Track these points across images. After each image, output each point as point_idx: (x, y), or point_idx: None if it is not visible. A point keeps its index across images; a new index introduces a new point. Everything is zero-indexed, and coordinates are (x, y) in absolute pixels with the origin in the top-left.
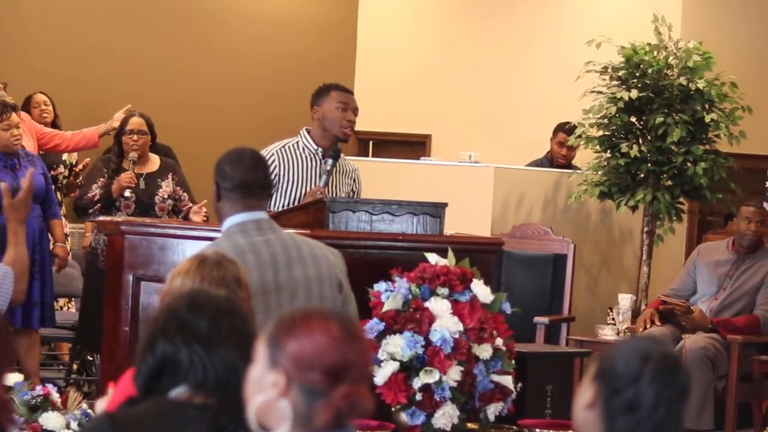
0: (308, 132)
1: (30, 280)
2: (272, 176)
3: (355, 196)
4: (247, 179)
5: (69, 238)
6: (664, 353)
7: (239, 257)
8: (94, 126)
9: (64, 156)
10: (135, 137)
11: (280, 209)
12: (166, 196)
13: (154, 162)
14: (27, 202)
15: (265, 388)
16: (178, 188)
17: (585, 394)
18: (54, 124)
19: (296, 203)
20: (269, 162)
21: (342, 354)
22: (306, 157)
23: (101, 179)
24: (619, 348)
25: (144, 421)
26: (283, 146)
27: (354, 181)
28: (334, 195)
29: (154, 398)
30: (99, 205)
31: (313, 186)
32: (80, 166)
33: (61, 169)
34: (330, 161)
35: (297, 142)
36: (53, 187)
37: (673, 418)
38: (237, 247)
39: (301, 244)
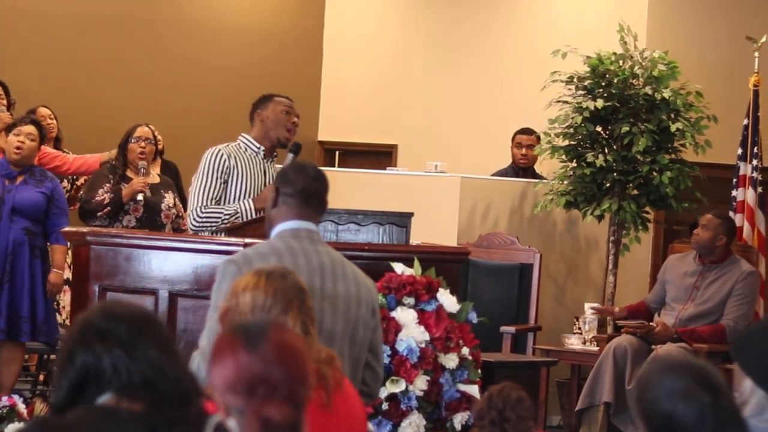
0: (247, 135)
1: None
2: (225, 169)
3: None
4: (309, 188)
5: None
6: (701, 380)
7: (291, 257)
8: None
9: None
10: (142, 144)
11: (232, 200)
12: (171, 205)
13: (155, 175)
14: None
15: (219, 408)
16: (180, 205)
17: None
18: (57, 139)
19: (248, 195)
20: (220, 158)
21: (245, 368)
22: (249, 155)
23: (107, 185)
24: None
25: (76, 426)
26: (227, 146)
27: None
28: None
29: (82, 406)
30: (108, 208)
31: (258, 182)
32: (81, 180)
33: (65, 183)
34: (290, 156)
35: (239, 144)
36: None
37: None
38: (290, 248)
39: (345, 263)
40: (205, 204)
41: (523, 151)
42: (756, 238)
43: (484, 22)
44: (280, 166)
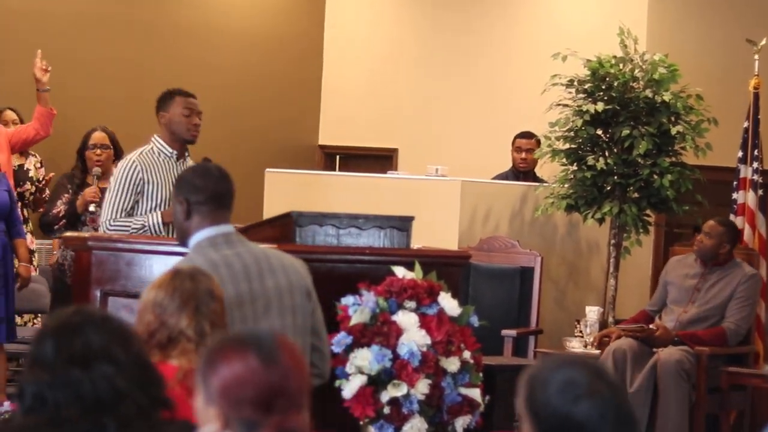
0: (159, 137)
1: None
2: (138, 182)
3: None
4: (219, 190)
5: (36, 255)
6: (590, 381)
7: (213, 270)
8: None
9: (31, 172)
10: (98, 152)
11: (147, 212)
12: None
13: None
14: None
15: (209, 420)
16: None
17: None
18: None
19: (163, 205)
20: (134, 171)
21: (264, 383)
22: (162, 160)
23: (65, 195)
24: (547, 393)
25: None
26: (140, 153)
27: None
28: None
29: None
30: (64, 221)
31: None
32: (46, 179)
33: (28, 185)
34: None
35: (152, 148)
36: (19, 204)
37: None
38: (209, 260)
39: (269, 255)
40: (114, 217)
41: (523, 155)
42: (757, 241)
43: (485, 26)
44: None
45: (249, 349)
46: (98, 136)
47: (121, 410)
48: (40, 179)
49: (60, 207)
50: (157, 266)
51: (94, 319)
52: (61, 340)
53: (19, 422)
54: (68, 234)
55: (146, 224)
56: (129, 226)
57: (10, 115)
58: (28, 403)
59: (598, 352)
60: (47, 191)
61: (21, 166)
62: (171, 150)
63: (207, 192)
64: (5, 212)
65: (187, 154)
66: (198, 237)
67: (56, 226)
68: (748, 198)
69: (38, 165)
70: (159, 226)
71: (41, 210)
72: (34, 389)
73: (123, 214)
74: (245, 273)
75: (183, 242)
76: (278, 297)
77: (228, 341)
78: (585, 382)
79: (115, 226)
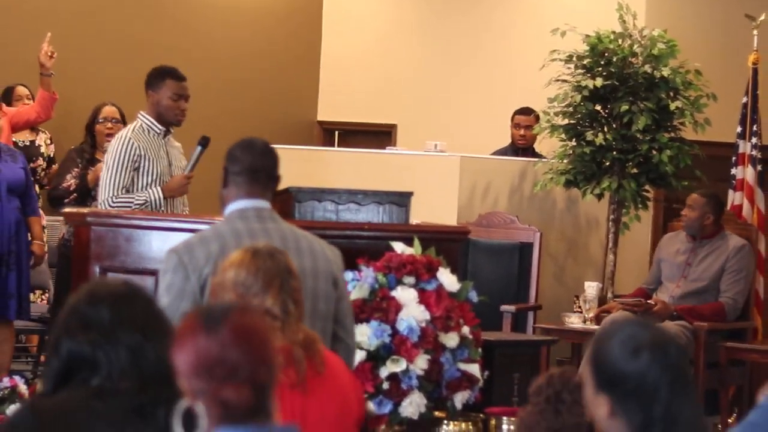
0: (146, 114)
1: (6, 272)
2: (136, 158)
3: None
4: (255, 164)
5: (46, 231)
6: (653, 338)
7: (236, 241)
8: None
9: (42, 149)
10: (109, 125)
11: (144, 187)
12: None
13: None
14: None
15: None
16: None
17: (599, 409)
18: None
19: (159, 180)
20: (130, 147)
21: (205, 354)
22: (152, 137)
23: (75, 169)
24: (610, 345)
25: (62, 406)
26: (133, 130)
27: (182, 154)
28: (175, 171)
29: (71, 387)
30: (75, 195)
31: (163, 165)
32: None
33: (40, 161)
34: (199, 148)
35: (141, 125)
36: (33, 181)
37: (681, 400)
38: (235, 231)
39: (300, 237)
40: (115, 194)
41: (522, 132)
42: (756, 216)
43: (485, 1)
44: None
45: (197, 319)
46: (109, 110)
47: (179, 389)
48: (51, 155)
49: (70, 181)
50: (156, 242)
51: (145, 292)
52: (119, 307)
53: (64, 396)
54: (67, 210)
55: (148, 199)
56: (131, 203)
57: (22, 90)
58: (68, 366)
59: (597, 327)
60: (54, 166)
61: (32, 142)
62: (160, 127)
63: (244, 164)
64: (20, 189)
65: (171, 130)
66: (231, 207)
67: (66, 200)
68: (746, 173)
69: (48, 141)
70: (160, 201)
71: (46, 186)
72: (86, 350)
73: (122, 191)
74: None
75: (221, 210)
76: (300, 279)
77: (189, 315)
78: (647, 336)
79: (117, 203)
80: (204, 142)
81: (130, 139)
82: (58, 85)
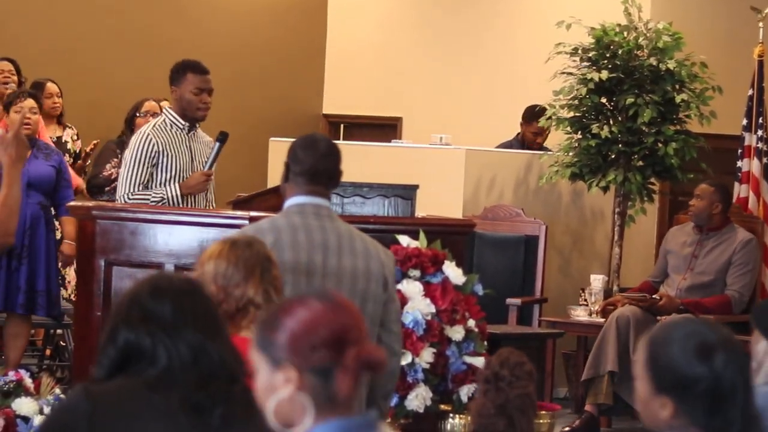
0: (170, 109)
1: (17, 265)
2: (153, 155)
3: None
4: (317, 167)
5: None
6: (722, 339)
7: (291, 234)
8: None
9: (69, 144)
10: (150, 119)
11: (162, 183)
12: None
13: None
14: (18, 140)
15: (277, 388)
16: None
17: (660, 411)
18: (60, 114)
19: (178, 177)
20: (149, 144)
21: (334, 321)
22: (175, 132)
23: (114, 159)
24: (671, 347)
25: (117, 393)
26: (154, 126)
27: (211, 149)
28: (198, 167)
29: (126, 376)
30: (115, 183)
31: (185, 161)
32: (90, 147)
33: (66, 157)
34: (217, 144)
35: (164, 120)
36: (68, 181)
37: (753, 400)
38: (291, 224)
39: (355, 237)
40: (132, 190)
41: (539, 139)
42: (761, 209)
43: None
44: (207, 137)
45: (309, 298)
46: (150, 105)
47: (235, 389)
48: (78, 151)
49: (111, 170)
50: (162, 235)
51: (206, 289)
52: (182, 302)
53: (120, 383)
54: (72, 203)
55: (165, 197)
56: (148, 199)
57: (53, 88)
58: (124, 355)
59: (602, 320)
60: (89, 161)
61: (59, 138)
62: (183, 122)
63: (305, 166)
64: (45, 186)
65: (197, 125)
66: (290, 201)
67: (107, 188)
68: (752, 166)
69: (74, 137)
70: (178, 198)
71: (84, 174)
72: (145, 343)
73: (140, 187)
74: (323, 246)
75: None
76: (352, 279)
77: (285, 301)
78: (714, 337)
79: (134, 199)
80: (222, 137)
81: (148, 135)
82: (81, 84)
